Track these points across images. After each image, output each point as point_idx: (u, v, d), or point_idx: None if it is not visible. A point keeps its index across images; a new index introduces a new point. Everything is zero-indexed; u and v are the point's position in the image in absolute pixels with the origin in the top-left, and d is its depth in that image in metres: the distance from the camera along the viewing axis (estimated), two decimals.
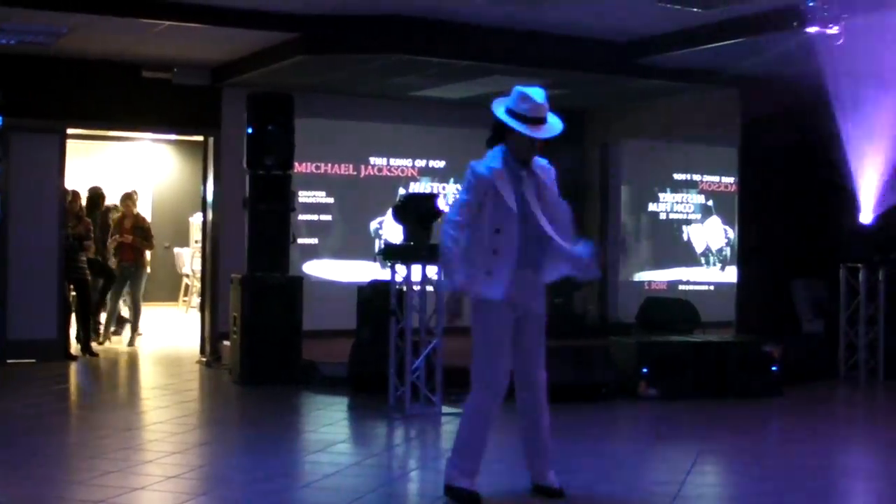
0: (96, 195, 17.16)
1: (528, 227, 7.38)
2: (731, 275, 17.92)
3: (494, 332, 7.41)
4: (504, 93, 15.57)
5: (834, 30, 11.82)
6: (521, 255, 7.36)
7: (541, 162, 7.59)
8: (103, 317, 16.76)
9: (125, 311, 17.30)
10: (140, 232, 16.74)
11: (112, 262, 16.78)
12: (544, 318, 7.69)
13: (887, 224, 14.13)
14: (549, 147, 18.94)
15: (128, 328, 17.01)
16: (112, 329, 16.97)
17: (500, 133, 7.45)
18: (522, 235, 7.35)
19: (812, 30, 11.79)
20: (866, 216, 14.19)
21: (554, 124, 7.54)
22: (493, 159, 7.40)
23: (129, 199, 17.14)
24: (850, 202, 14.19)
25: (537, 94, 7.41)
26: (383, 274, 12.11)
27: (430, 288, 11.30)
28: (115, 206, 17.64)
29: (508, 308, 7.37)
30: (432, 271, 11.21)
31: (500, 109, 7.42)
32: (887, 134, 13.71)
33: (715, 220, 19.84)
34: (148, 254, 17.24)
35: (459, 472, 7.47)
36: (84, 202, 16.39)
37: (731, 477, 9.17)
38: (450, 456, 7.61)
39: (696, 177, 19.68)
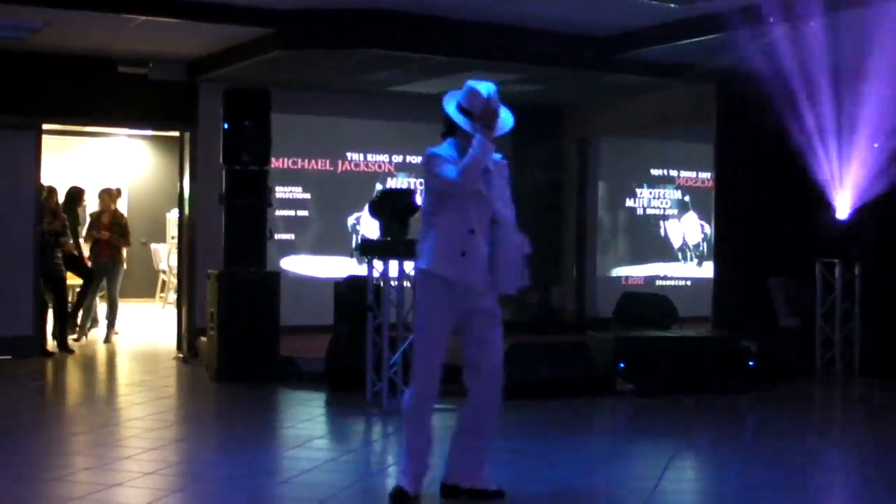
0: (75, 193, 17.08)
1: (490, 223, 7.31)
2: (707, 270, 17.96)
3: (436, 322, 7.22)
4: None
5: (809, 25, 11.87)
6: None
7: (495, 157, 7.36)
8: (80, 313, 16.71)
9: (100, 308, 17.25)
10: (117, 228, 16.67)
11: (87, 259, 16.74)
12: (498, 312, 7.42)
13: (863, 220, 14.18)
14: (525, 142, 19.03)
15: (104, 325, 16.95)
16: (87, 326, 16.91)
17: (451, 128, 7.31)
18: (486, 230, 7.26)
19: (787, 25, 11.82)
20: (842, 212, 14.24)
21: (505, 120, 7.29)
22: (447, 149, 7.30)
23: (107, 194, 17.05)
24: (826, 198, 14.24)
25: (487, 89, 7.17)
26: (360, 269, 12.09)
27: (406, 283, 11.30)
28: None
29: (459, 298, 7.17)
30: (409, 266, 11.20)
31: (450, 105, 7.27)
32: (863, 129, 13.75)
33: (692, 216, 19.89)
34: (125, 250, 17.16)
35: (401, 471, 7.41)
36: (62, 199, 16.31)
37: (708, 471, 9.20)
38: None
39: (673, 172, 19.72)
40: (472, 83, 7.23)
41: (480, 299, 7.24)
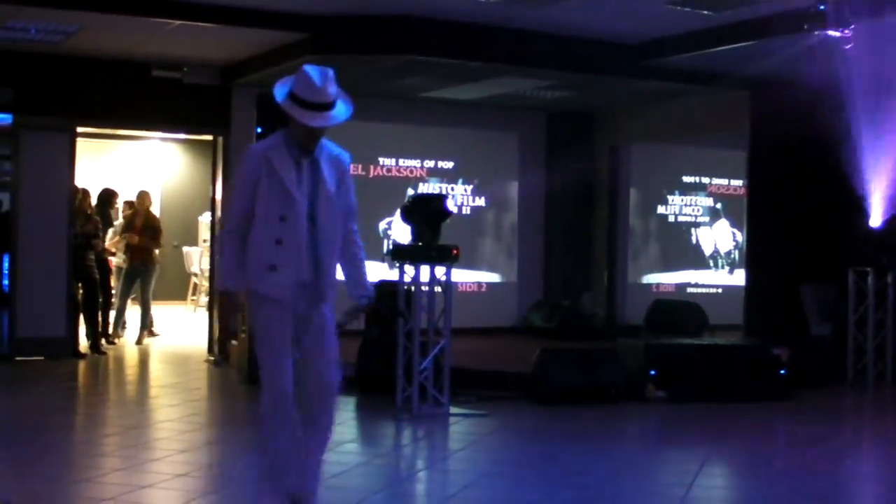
0: (108, 194, 17.10)
1: (311, 221, 6.61)
2: (739, 278, 17.90)
3: (274, 333, 6.61)
4: (512, 94, 15.58)
5: (845, 33, 11.82)
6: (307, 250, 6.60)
7: (333, 151, 6.82)
8: (112, 315, 16.77)
9: (131, 311, 17.31)
10: (150, 232, 16.72)
11: (120, 260, 16.81)
12: (330, 320, 6.81)
13: None
14: (558, 148, 19.03)
15: (136, 326, 17.00)
16: (119, 328, 16.97)
17: (281, 114, 6.65)
18: (306, 227, 6.59)
19: (822, 33, 11.78)
20: (875, 220, 14.18)
21: (339, 112, 6.63)
22: (273, 140, 6.71)
23: (144, 196, 17.12)
24: (859, 206, 14.17)
25: (320, 76, 6.57)
26: (392, 274, 12.11)
27: (438, 288, 11.31)
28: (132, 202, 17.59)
29: (291, 307, 6.60)
30: (440, 272, 11.22)
31: (281, 91, 6.63)
32: None
33: (723, 223, 19.84)
34: (157, 253, 17.19)
35: (264, 491, 6.79)
36: (94, 201, 16.37)
37: (738, 480, 9.17)
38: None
39: (705, 179, 19.68)
40: (307, 68, 6.63)
41: (313, 309, 6.74)
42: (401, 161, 17.54)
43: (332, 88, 6.59)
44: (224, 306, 6.75)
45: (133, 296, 17.08)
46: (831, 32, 11.93)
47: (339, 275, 6.89)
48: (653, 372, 12.19)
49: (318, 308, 6.72)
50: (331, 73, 6.63)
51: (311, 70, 6.59)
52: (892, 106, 13.52)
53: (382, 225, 17.31)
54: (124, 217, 17.31)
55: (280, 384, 6.58)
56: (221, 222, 5.80)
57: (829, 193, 14.76)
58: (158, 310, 18.59)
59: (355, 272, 6.98)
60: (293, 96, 6.56)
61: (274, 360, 6.60)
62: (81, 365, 14.43)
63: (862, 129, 13.75)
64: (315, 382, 6.74)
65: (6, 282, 14.83)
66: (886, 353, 14.18)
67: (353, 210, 6.89)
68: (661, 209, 19.29)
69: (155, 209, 18.43)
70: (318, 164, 6.68)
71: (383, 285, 12.47)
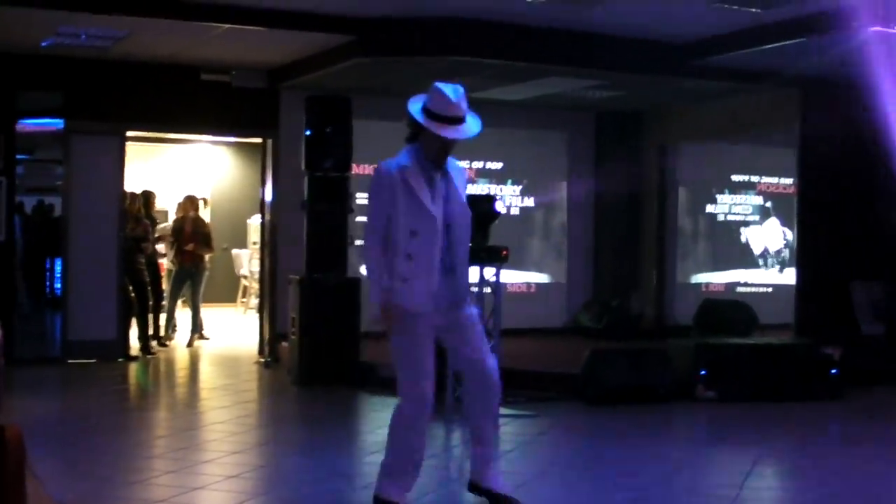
0: (146, 195, 17.05)
1: (446, 230, 7.00)
2: (789, 277, 17.81)
3: (416, 343, 6.97)
4: (560, 94, 15.57)
5: (894, 29, 11.74)
6: (442, 260, 6.97)
7: (455, 163, 7.24)
8: (163, 317, 16.86)
9: (181, 313, 17.40)
10: (200, 237, 16.79)
11: (170, 263, 16.92)
12: (476, 315, 7.25)
13: None
14: (606, 148, 19.02)
15: (186, 329, 17.09)
16: (170, 330, 17.07)
17: (415, 131, 7.04)
18: (441, 238, 6.96)
19: (873, 29, 11.70)
20: None
21: (471, 125, 7.13)
22: (403, 157, 7.02)
23: (189, 202, 17.19)
24: None
25: (454, 91, 6.99)
26: None
27: (487, 289, 11.30)
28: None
29: (430, 317, 6.95)
30: (490, 272, 11.21)
31: (415, 107, 7.00)
32: None
33: (773, 222, 19.73)
34: (208, 257, 17.27)
35: (389, 482, 7.12)
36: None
37: (790, 481, 9.13)
38: (380, 467, 7.21)
39: (755, 178, 19.58)
40: (438, 84, 7.00)
41: (458, 310, 7.09)
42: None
43: (465, 104, 7.05)
44: (386, 319, 6.97)
45: (183, 298, 17.19)
46: (880, 29, 11.85)
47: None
48: (703, 372, 12.15)
49: (461, 310, 7.10)
50: (462, 89, 7.07)
51: (444, 87, 6.98)
52: None
53: None
54: (173, 222, 17.39)
55: (420, 393, 7.02)
56: (366, 236, 5.97)
57: (880, 191, 14.67)
58: (208, 312, 18.69)
59: None
60: (428, 111, 6.93)
61: (415, 370, 7.01)
62: (132, 367, 14.53)
63: None
64: (480, 379, 7.18)
65: (58, 285, 14.96)
66: None
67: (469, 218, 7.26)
68: (710, 208, 19.21)
69: (205, 212, 18.49)
70: (449, 176, 7.09)
71: None
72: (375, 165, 7.18)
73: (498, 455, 7.51)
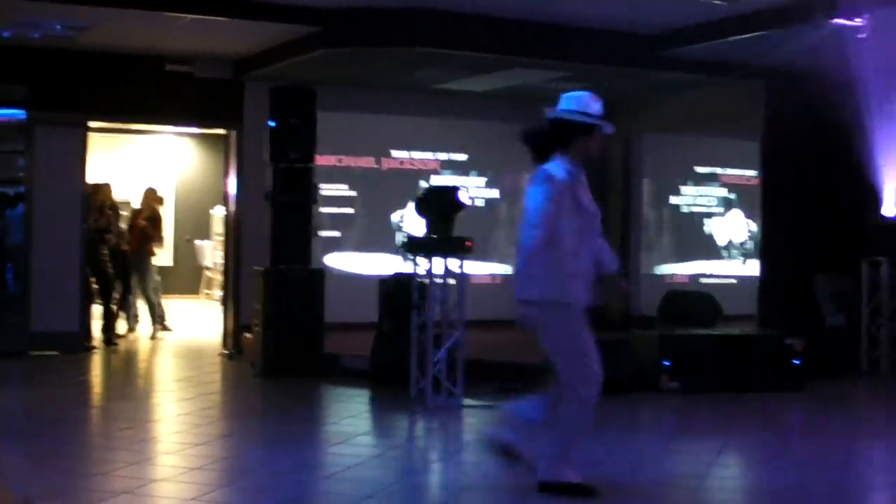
0: (98, 187, 16.85)
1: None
2: (753, 268, 17.87)
3: (581, 330, 7.45)
4: (526, 85, 15.51)
5: (858, 22, 11.79)
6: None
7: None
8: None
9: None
10: (147, 229, 16.66)
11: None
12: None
13: None
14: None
15: (147, 321, 16.98)
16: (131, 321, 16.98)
17: (564, 137, 7.44)
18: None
19: (837, 22, 11.76)
20: (889, 210, 14.15)
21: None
22: (562, 163, 7.44)
23: (149, 195, 17.09)
24: (873, 196, 14.15)
25: (593, 95, 7.52)
26: (405, 267, 12.11)
27: (452, 280, 11.31)
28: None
29: (584, 309, 7.48)
30: (454, 264, 11.22)
31: (570, 115, 7.43)
32: None
33: (737, 214, 19.79)
34: (157, 248, 17.05)
35: (565, 467, 7.51)
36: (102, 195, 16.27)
37: (753, 471, 9.17)
38: (549, 453, 7.55)
39: (719, 170, 19.63)
40: (579, 93, 7.50)
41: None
42: (413, 154, 17.53)
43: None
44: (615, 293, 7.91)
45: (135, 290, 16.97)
46: (845, 22, 11.90)
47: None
48: (667, 363, 12.19)
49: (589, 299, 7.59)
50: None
51: (582, 93, 7.50)
52: None
53: (396, 218, 17.30)
54: (131, 213, 17.28)
55: (598, 378, 7.44)
56: (531, 233, 6.51)
57: (844, 184, 14.74)
58: (171, 304, 18.63)
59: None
60: (586, 115, 7.43)
61: (590, 358, 7.45)
62: (95, 359, 14.46)
63: (876, 119, 13.73)
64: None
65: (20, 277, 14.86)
66: None
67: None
68: (674, 200, 19.25)
69: (168, 203, 18.36)
70: (583, 175, 7.61)
71: (396, 278, 12.51)
72: (534, 171, 7.61)
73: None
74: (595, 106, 7.45)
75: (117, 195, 16.99)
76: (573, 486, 7.44)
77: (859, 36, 12.03)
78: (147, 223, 16.68)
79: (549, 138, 7.51)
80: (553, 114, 7.51)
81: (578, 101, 7.45)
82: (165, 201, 17.91)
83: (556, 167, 7.39)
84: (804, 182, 15.35)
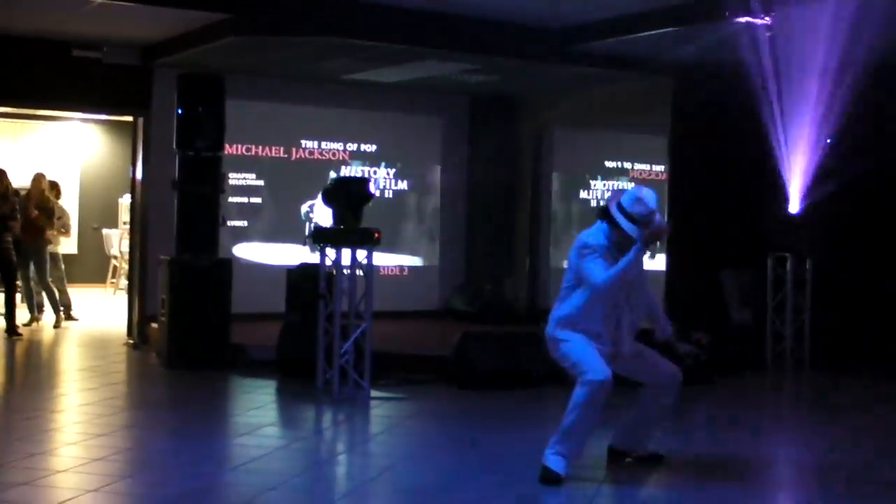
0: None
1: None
2: (659, 263, 18.00)
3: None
4: (436, 77, 15.54)
5: (765, 20, 11.92)
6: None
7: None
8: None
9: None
10: (44, 213, 16.41)
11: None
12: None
13: (815, 214, 14.25)
14: (481, 133, 18.99)
15: (50, 310, 16.74)
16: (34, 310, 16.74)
17: (610, 218, 7.96)
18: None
19: (743, 20, 11.88)
20: (794, 206, 14.31)
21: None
22: (599, 235, 8.03)
23: (36, 180, 16.76)
24: (778, 192, 14.30)
25: (651, 199, 7.96)
26: (313, 257, 12.07)
27: (359, 272, 11.29)
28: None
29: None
30: (362, 255, 11.21)
31: (613, 205, 7.94)
32: (816, 124, 13.82)
33: None
34: (52, 236, 16.77)
35: (567, 463, 8.02)
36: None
37: (658, 465, 9.21)
38: (556, 440, 8.06)
39: (627, 164, 19.74)
40: (638, 190, 8.02)
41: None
42: (323, 144, 17.46)
43: (657, 208, 8.18)
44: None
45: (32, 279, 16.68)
46: (752, 19, 12.02)
47: None
48: None
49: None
50: (655, 195, 8.15)
51: (642, 193, 8.04)
52: (811, 93, 13.64)
53: (304, 208, 17.23)
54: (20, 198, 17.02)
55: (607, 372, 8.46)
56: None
57: (749, 180, 14.89)
58: (77, 293, 18.41)
59: None
60: (623, 210, 7.97)
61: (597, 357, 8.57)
62: None
63: (781, 116, 13.88)
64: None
65: None
66: (804, 339, 14.32)
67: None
68: (583, 194, 19.33)
69: (74, 191, 18.11)
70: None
71: (304, 268, 12.45)
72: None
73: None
74: (639, 208, 7.89)
75: (17, 183, 16.68)
76: (551, 473, 7.93)
77: (767, 33, 12.17)
78: (39, 213, 16.39)
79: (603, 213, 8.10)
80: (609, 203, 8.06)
81: (629, 198, 7.96)
82: (61, 187, 17.56)
83: (590, 234, 8.07)
84: (710, 177, 15.48)
